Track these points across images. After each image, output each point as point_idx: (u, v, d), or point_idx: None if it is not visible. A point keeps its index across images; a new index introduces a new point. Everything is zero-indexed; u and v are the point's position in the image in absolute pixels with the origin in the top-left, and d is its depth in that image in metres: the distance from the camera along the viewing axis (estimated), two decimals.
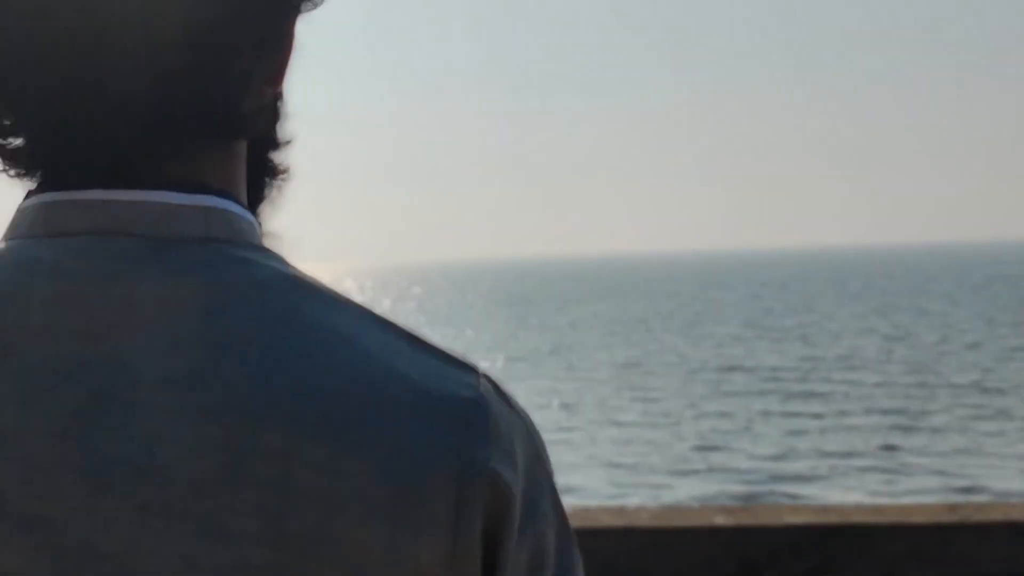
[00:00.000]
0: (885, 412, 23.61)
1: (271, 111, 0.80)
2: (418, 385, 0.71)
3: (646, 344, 42.05)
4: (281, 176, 0.86)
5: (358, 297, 0.78)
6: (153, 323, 0.71)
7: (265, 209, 0.85)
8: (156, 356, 0.70)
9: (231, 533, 0.67)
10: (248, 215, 0.78)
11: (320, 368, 0.70)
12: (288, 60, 0.78)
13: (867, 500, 14.15)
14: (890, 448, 19.46)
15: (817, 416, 23.38)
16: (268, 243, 0.79)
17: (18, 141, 0.75)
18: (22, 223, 0.76)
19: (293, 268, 0.76)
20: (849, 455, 18.88)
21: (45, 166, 0.76)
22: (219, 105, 0.74)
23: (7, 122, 0.75)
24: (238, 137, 0.78)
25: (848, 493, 15.50)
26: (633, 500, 14.89)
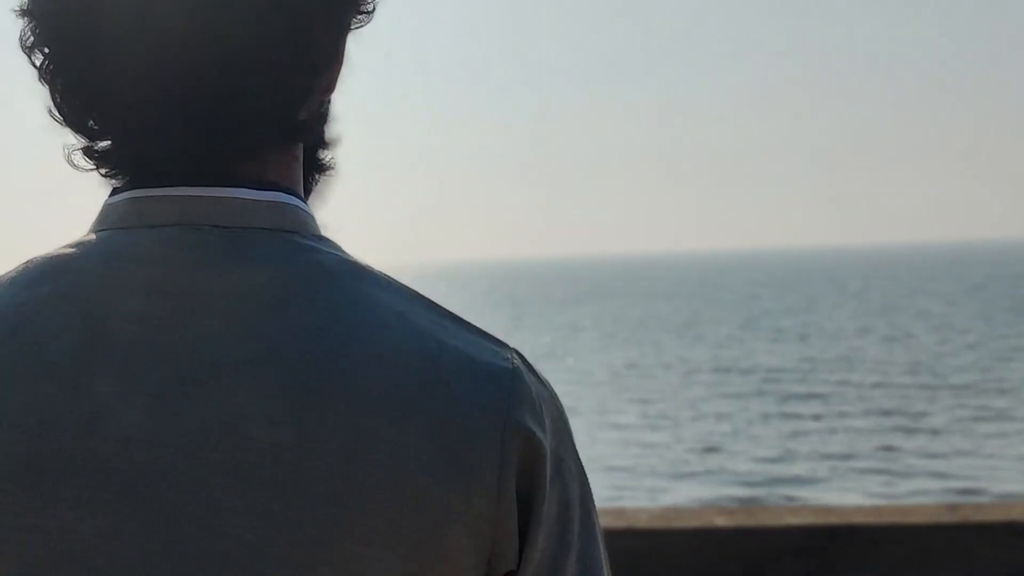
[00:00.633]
0: (884, 413, 23.59)
1: (322, 116, 0.91)
2: (465, 356, 0.82)
3: (644, 345, 42.05)
4: (328, 172, 0.96)
5: None
6: (233, 306, 0.80)
7: (313, 202, 0.94)
8: (236, 337, 0.79)
9: (304, 494, 0.76)
10: (309, 209, 0.88)
11: (382, 343, 0.80)
12: (339, 73, 0.89)
13: (867, 502, 14.13)
14: (889, 449, 19.45)
15: (816, 417, 23.37)
16: (325, 234, 0.90)
17: (104, 144, 0.85)
18: (112, 216, 0.85)
19: (351, 255, 0.86)
20: (848, 457, 18.87)
21: (132, 167, 0.85)
22: (284, 114, 0.84)
23: (94, 126, 0.84)
24: (298, 141, 0.89)
25: (848, 495, 15.48)
26: (632, 503, 14.88)
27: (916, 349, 37.66)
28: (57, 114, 0.86)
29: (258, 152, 0.85)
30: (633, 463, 18.82)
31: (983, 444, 19.73)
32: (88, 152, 0.86)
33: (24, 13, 0.84)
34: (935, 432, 21.15)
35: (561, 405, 0.88)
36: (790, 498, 15.54)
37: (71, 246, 0.85)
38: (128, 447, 0.78)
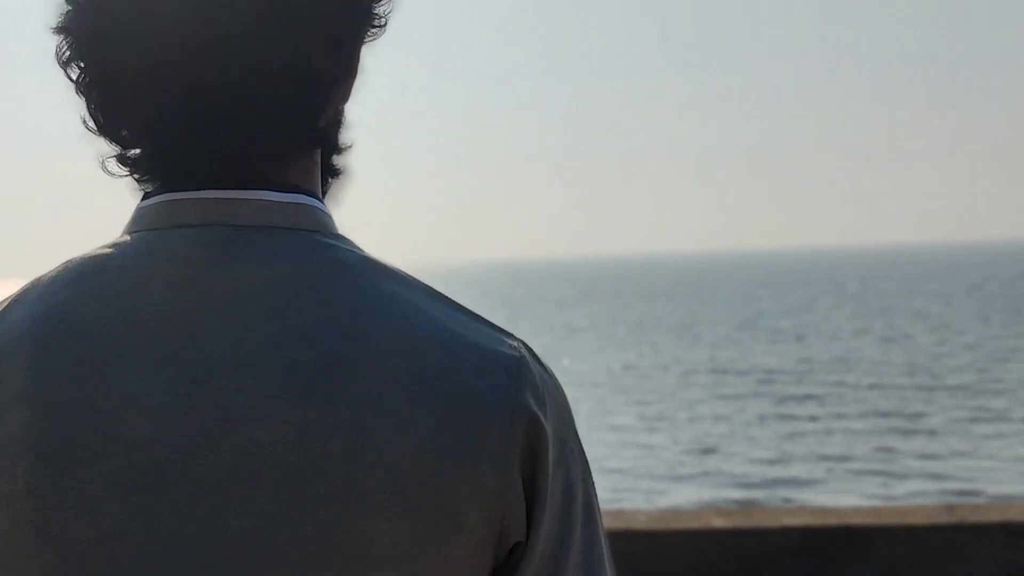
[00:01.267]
0: (882, 415, 23.60)
1: (338, 123, 0.97)
2: (476, 345, 0.88)
3: (641, 347, 42.05)
4: (341, 176, 1.02)
5: None
6: (256, 297, 0.86)
7: (329, 203, 1.00)
8: (260, 326, 0.85)
9: (324, 466, 0.82)
10: (327, 209, 0.95)
11: (399, 332, 0.86)
12: (353, 83, 0.95)
13: (864, 503, 14.14)
14: (887, 451, 19.45)
15: (813, 419, 23.38)
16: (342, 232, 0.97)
17: (136, 151, 0.91)
18: (144, 218, 0.92)
19: (366, 252, 0.92)
20: (846, 458, 18.87)
21: (163, 172, 0.92)
22: (306, 123, 0.91)
23: (127, 135, 0.91)
24: (317, 147, 0.96)
25: (845, 497, 15.48)
26: (630, 505, 14.88)
27: (913, 350, 37.68)
28: (92, 123, 0.92)
29: (281, 157, 0.92)
30: (631, 465, 18.82)
31: (980, 445, 19.74)
32: (122, 159, 0.92)
33: (59, 30, 0.91)
34: (932, 433, 21.16)
35: (564, 394, 0.94)
36: (787, 500, 15.54)
37: (107, 247, 0.92)
38: (160, 433, 0.84)
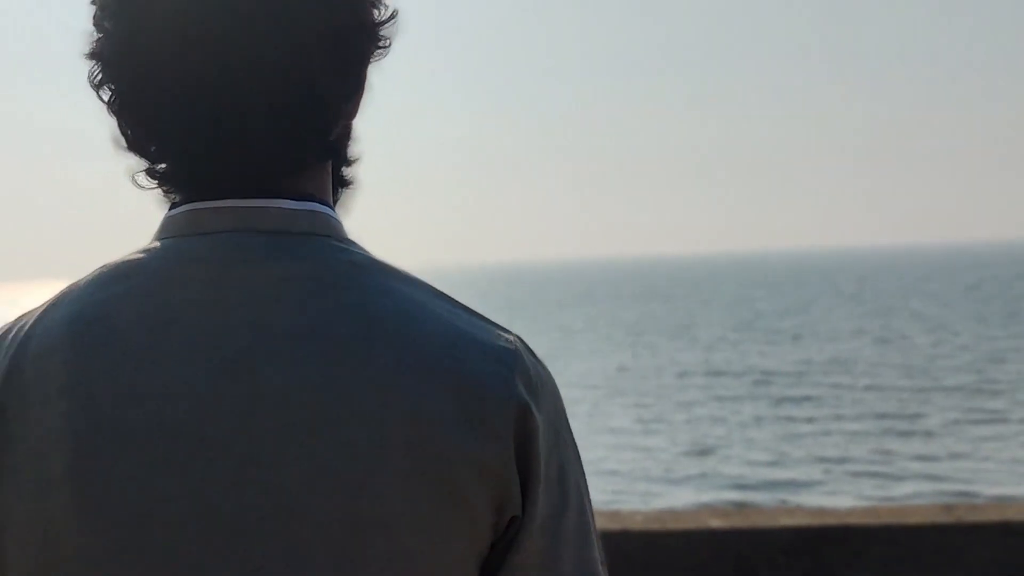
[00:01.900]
0: (879, 416, 23.59)
1: (347, 137, 1.06)
2: (475, 337, 0.97)
3: (638, 348, 42.04)
4: (351, 186, 1.11)
5: None
6: (279, 294, 0.95)
7: (338, 211, 1.08)
8: (283, 318, 0.94)
9: (346, 441, 0.91)
10: (338, 217, 1.04)
11: (407, 325, 0.95)
12: (361, 100, 1.04)
13: (861, 505, 14.12)
14: (884, 453, 19.43)
15: (810, 420, 23.36)
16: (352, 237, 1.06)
17: (163, 165, 1.00)
18: (172, 226, 1.00)
19: (374, 255, 1.02)
20: (843, 460, 18.86)
21: (188, 184, 1.00)
22: (318, 138, 1.00)
23: (155, 151, 0.99)
24: (329, 159, 1.05)
25: (842, 498, 15.47)
26: (627, 507, 14.85)
27: (910, 351, 37.68)
28: (122, 140, 1.01)
29: (296, 170, 1.00)
30: (628, 467, 18.80)
31: (978, 447, 19.73)
32: (150, 173, 1.01)
33: (91, 55, 0.99)
34: (929, 435, 21.15)
35: (556, 385, 1.02)
36: (784, 502, 15.53)
37: (139, 252, 1.01)
38: (198, 415, 0.92)
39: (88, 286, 0.99)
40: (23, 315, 1.02)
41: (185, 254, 0.98)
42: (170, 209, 1.02)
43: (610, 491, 16.51)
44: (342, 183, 1.10)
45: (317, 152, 1.01)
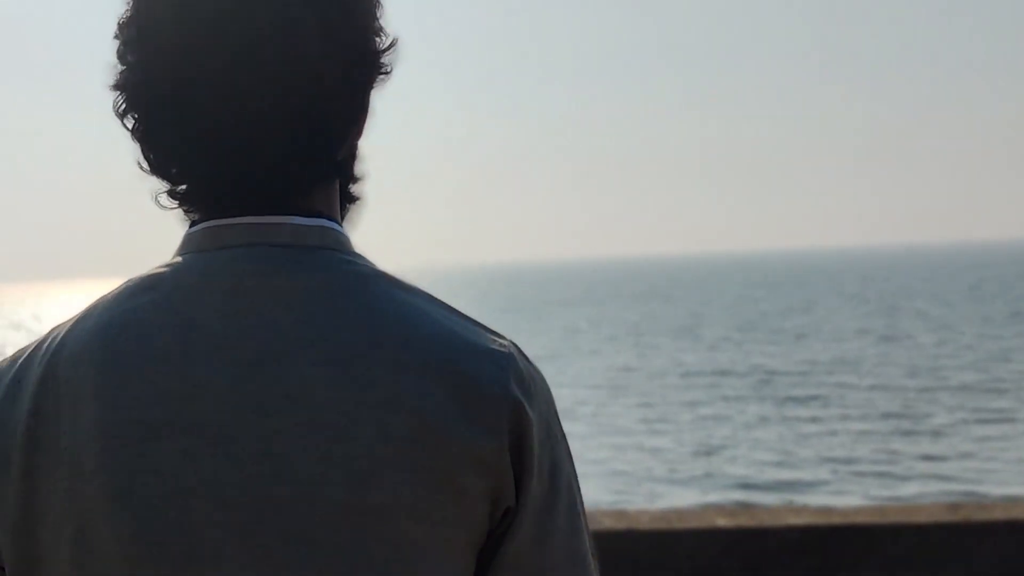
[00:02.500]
0: (884, 416, 23.55)
1: (354, 157, 1.15)
2: (471, 341, 1.06)
3: (642, 348, 42.00)
4: (356, 202, 1.20)
5: None
6: (294, 302, 1.04)
7: (345, 225, 1.17)
8: (299, 324, 1.03)
9: (353, 436, 1.00)
10: (345, 232, 1.13)
11: (410, 329, 1.04)
12: (365, 121, 1.12)
13: (868, 505, 14.08)
14: (890, 453, 19.39)
15: (815, 420, 23.33)
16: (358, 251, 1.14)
17: (183, 186, 1.09)
18: (192, 242, 1.09)
19: (379, 267, 1.10)
20: (848, 461, 18.82)
21: (207, 203, 1.09)
22: (327, 159, 1.09)
23: (176, 173, 1.08)
24: (336, 178, 1.13)
25: (848, 499, 15.43)
26: (632, 508, 14.82)
27: (915, 351, 37.63)
28: (145, 164, 1.10)
29: (306, 188, 1.09)
30: (632, 467, 18.79)
31: (984, 447, 19.68)
32: (171, 194, 1.10)
33: (116, 87, 1.08)
34: (936, 435, 21.11)
35: (548, 386, 1.10)
36: (790, 502, 15.50)
37: (162, 266, 1.09)
38: (219, 411, 1.01)
39: (116, 298, 1.08)
40: (56, 327, 1.11)
41: (206, 267, 1.06)
42: (190, 227, 1.11)
43: (615, 491, 16.50)
44: (349, 199, 1.19)
45: (325, 172, 1.10)
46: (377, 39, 1.11)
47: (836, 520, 4.08)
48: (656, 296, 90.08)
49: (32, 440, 1.04)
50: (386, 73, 1.12)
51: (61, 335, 1.08)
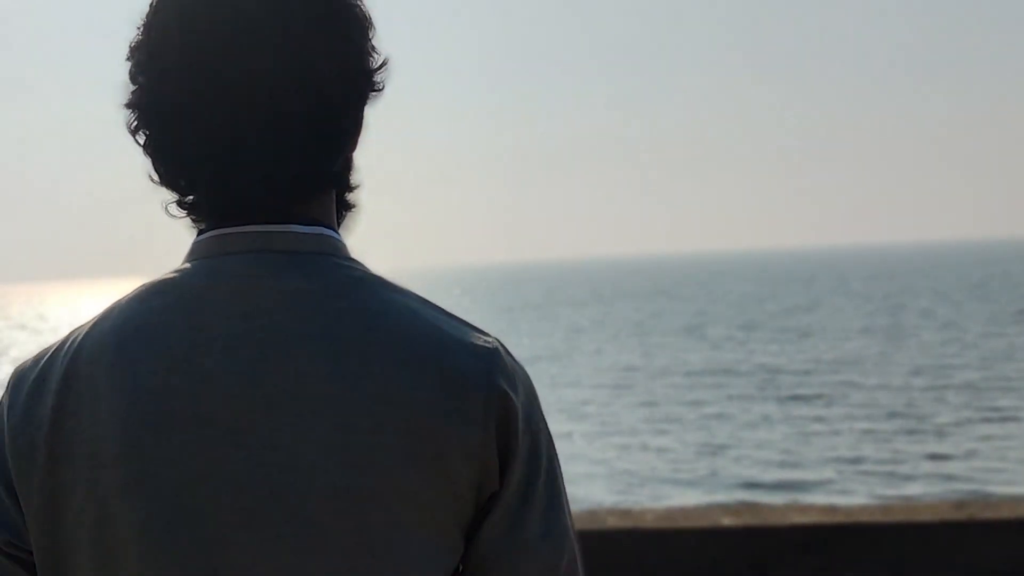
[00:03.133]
0: (890, 415, 23.52)
1: (349, 168, 1.23)
2: (459, 339, 1.15)
3: (646, 348, 41.98)
4: (352, 210, 1.28)
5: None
6: (294, 303, 1.12)
7: (342, 231, 1.25)
8: (298, 323, 1.11)
9: (350, 426, 1.08)
10: (341, 238, 1.21)
11: (402, 328, 1.13)
12: (359, 135, 1.21)
13: (873, 503, 14.06)
14: (895, 452, 19.37)
15: (820, 419, 23.30)
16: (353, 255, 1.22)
17: (191, 197, 1.17)
18: (200, 249, 1.18)
19: (372, 271, 1.19)
20: (853, 460, 18.79)
21: (213, 213, 1.17)
22: (324, 171, 1.17)
23: (184, 185, 1.17)
24: (332, 188, 1.22)
25: (853, 499, 15.41)
26: (637, 506, 14.81)
27: (920, 349, 37.57)
28: (156, 177, 1.18)
29: (305, 198, 1.17)
30: (636, 467, 18.78)
31: (989, 445, 19.64)
32: (180, 204, 1.19)
33: (128, 105, 1.17)
34: (941, 434, 21.07)
35: (530, 379, 1.19)
36: (795, 501, 15.48)
37: (173, 272, 1.18)
38: (227, 405, 1.09)
39: (130, 302, 1.17)
40: (75, 329, 1.20)
41: (213, 272, 1.15)
42: (198, 235, 1.19)
43: (620, 490, 16.50)
44: (345, 207, 1.27)
45: (323, 184, 1.19)
46: (371, 58, 1.19)
47: (841, 519, 4.07)
48: (660, 295, 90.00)
49: (56, 433, 1.12)
50: (379, 90, 1.20)
51: (80, 337, 1.17)
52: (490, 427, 1.11)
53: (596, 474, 17.64)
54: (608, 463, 18.67)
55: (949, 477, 17.17)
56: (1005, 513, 4.02)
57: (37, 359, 1.19)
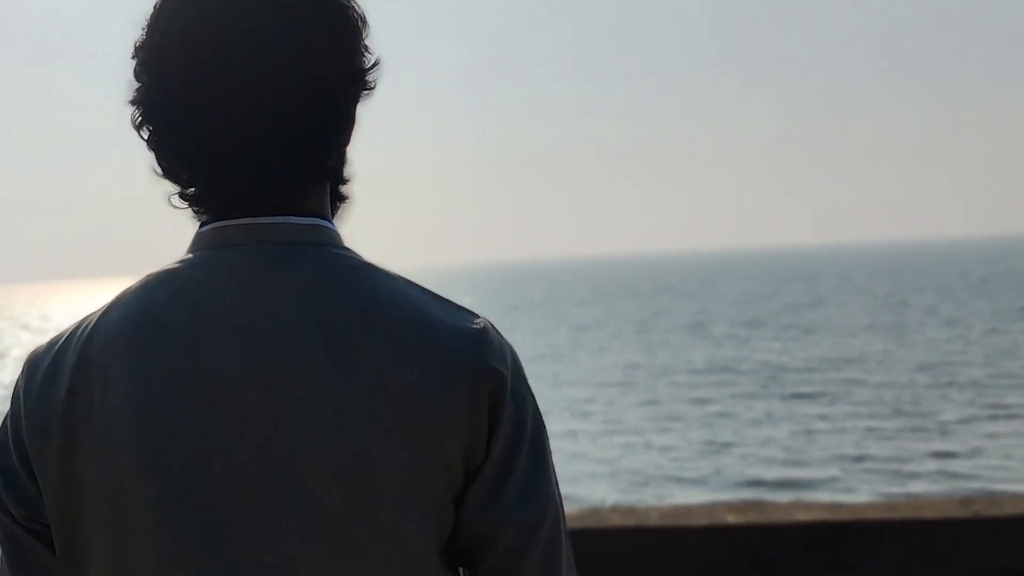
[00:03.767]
0: (894, 412, 23.48)
1: (343, 162, 1.29)
2: (449, 322, 1.21)
3: (649, 346, 41.94)
4: (345, 202, 1.34)
5: None
6: (293, 292, 1.18)
7: (336, 222, 1.31)
8: (298, 311, 1.17)
9: (347, 407, 1.15)
10: (336, 228, 1.28)
11: (395, 312, 1.19)
12: (352, 130, 1.26)
13: (878, 501, 14.03)
14: (899, 450, 19.34)
15: (824, 417, 23.28)
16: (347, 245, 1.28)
17: (193, 190, 1.23)
18: (202, 240, 1.24)
19: (367, 259, 1.25)
20: (858, 458, 18.76)
21: (215, 205, 1.23)
22: (319, 164, 1.24)
23: (186, 178, 1.22)
24: (328, 181, 1.28)
25: (858, 496, 15.39)
26: (642, 504, 14.80)
27: (924, 347, 37.52)
28: (159, 170, 1.24)
29: (301, 191, 1.24)
30: (640, 465, 18.77)
31: (993, 442, 19.61)
32: (182, 196, 1.24)
33: (133, 102, 1.23)
34: (946, 432, 21.03)
35: (517, 355, 1.25)
36: (800, 499, 15.46)
37: (176, 263, 1.24)
38: (232, 390, 1.16)
39: (137, 291, 1.23)
40: (86, 316, 1.26)
41: (215, 263, 1.21)
42: (200, 226, 1.25)
43: (624, 489, 16.48)
44: (339, 199, 1.33)
45: (319, 177, 1.25)
46: (364, 58, 1.25)
47: (845, 516, 4.07)
48: (663, 293, 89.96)
49: (70, 415, 1.18)
50: (371, 89, 1.27)
51: (92, 324, 1.23)
52: (480, 404, 1.18)
53: (600, 473, 17.62)
54: (612, 461, 18.66)
55: (954, 475, 17.14)
56: (1010, 510, 4.02)
57: (51, 344, 1.25)
